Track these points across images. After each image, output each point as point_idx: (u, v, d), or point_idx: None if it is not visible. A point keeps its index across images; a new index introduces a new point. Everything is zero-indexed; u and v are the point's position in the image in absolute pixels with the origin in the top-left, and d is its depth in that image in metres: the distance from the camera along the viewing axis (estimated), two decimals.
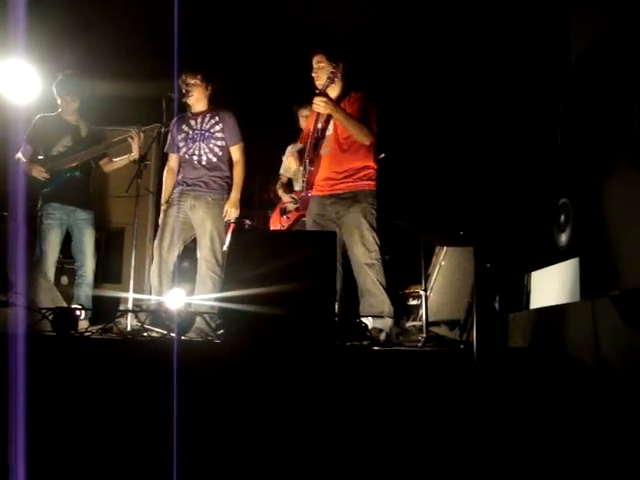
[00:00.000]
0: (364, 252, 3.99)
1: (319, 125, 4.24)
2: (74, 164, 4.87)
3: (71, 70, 4.95)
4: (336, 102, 4.12)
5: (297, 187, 4.86)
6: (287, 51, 5.43)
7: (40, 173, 4.78)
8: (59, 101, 4.97)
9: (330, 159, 4.17)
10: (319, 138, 4.23)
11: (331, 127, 4.19)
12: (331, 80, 4.06)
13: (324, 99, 4.05)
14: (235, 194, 4.60)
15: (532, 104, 2.18)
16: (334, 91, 4.19)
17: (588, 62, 2.90)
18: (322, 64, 4.18)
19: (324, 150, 4.21)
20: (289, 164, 4.78)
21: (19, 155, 4.85)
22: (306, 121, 4.87)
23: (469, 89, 2.23)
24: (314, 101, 4.08)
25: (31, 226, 3.70)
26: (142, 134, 4.64)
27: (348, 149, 4.12)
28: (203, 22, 5.28)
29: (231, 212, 4.57)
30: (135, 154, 4.66)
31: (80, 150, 4.90)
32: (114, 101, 5.14)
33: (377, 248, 4.01)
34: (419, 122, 4.41)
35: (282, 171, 4.97)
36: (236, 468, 2.45)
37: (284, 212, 4.82)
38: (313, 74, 4.21)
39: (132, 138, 4.57)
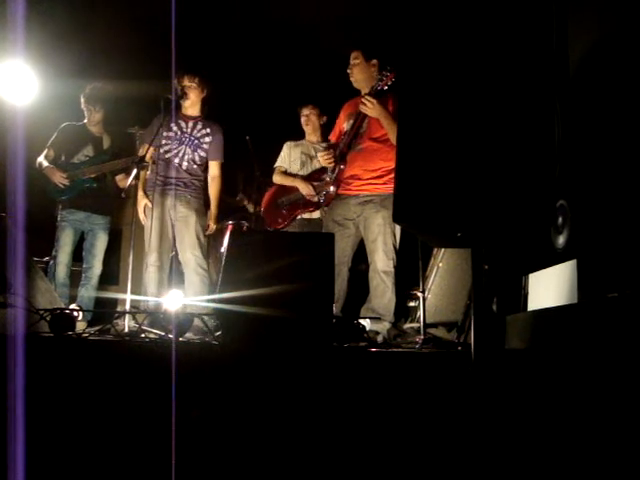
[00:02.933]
0: (384, 259, 4.02)
1: (355, 123, 4.21)
2: (93, 175, 4.93)
3: (99, 83, 5.03)
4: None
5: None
6: (285, 52, 5.45)
7: (61, 179, 4.87)
8: (85, 111, 5.06)
9: (362, 156, 4.16)
10: (354, 136, 4.21)
11: (365, 125, 4.18)
12: (384, 84, 4.02)
13: (374, 100, 4.02)
14: (214, 209, 4.73)
15: (529, 105, 2.18)
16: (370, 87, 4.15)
17: (587, 61, 2.90)
18: (357, 61, 4.21)
19: (356, 147, 4.20)
20: (286, 156, 4.82)
21: (40, 159, 4.93)
22: (308, 120, 4.89)
23: (465, 88, 2.22)
24: (363, 100, 4.06)
25: (30, 227, 3.70)
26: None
27: (381, 148, 4.11)
28: (201, 23, 5.30)
29: (212, 228, 4.76)
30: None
31: (100, 162, 4.98)
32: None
33: (395, 256, 4.03)
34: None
35: (279, 162, 4.96)
36: (234, 469, 2.45)
37: (281, 205, 4.77)
38: (348, 70, 4.23)
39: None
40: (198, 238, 4.54)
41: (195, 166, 4.66)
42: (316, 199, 4.59)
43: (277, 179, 4.89)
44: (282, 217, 4.75)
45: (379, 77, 4.02)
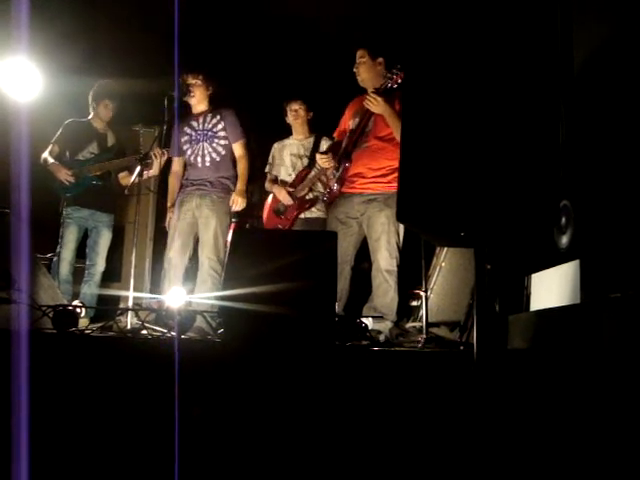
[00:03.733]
0: (387, 258, 4.01)
1: (361, 121, 4.21)
2: (99, 173, 4.94)
3: (109, 80, 5.08)
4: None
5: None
6: (287, 48, 5.45)
7: (66, 176, 4.88)
8: (93, 107, 5.08)
9: (367, 154, 4.16)
10: (359, 134, 4.21)
11: (371, 123, 4.18)
12: (394, 83, 3.99)
13: (380, 98, 4.02)
14: (241, 185, 4.63)
15: (533, 105, 2.18)
16: (377, 85, 4.13)
17: (591, 62, 2.90)
18: (363, 59, 4.21)
19: (362, 145, 4.20)
20: (274, 159, 4.86)
21: (45, 155, 4.94)
22: (297, 115, 4.88)
23: (469, 88, 2.22)
24: (368, 97, 4.05)
25: (33, 223, 3.71)
26: (166, 152, 4.67)
27: (386, 147, 4.11)
28: (204, 19, 5.29)
29: (238, 201, 4.59)
30: (155, 171, 4.71)
31: (105, 160, 5.00)
32: (115, 107, 5.15)
33: (398, 254, 4.03)
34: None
35: (268, 168, 4.97)
36: (236, 467, 2.45)
37: (278, 212, 4.78)
38: (354, 69, 4.23)
39: (156, 156, 4.58)
40: (216, 241, 4.48)
41: (219, 158, 4.64)
42: (291, 202, 4.64)
43: (267, 186, 4.93)
44: (282, 223, 4.75)
45: (388, 76, 4.00)
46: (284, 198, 4.70)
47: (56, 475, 2.41)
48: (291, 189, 4.70)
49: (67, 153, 5.01)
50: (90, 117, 5.10)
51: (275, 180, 4.89)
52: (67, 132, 5.05)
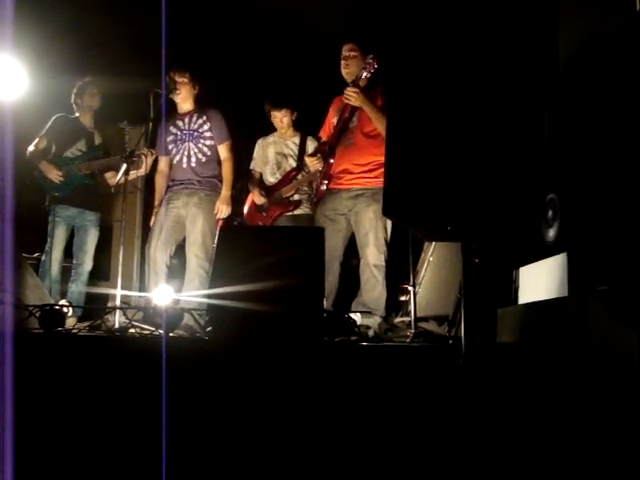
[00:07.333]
0: (375, 253, 4.01)
1: (343, 116, 4.21)
2: (88, 171, 4.90)
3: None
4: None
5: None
6: (271, 46, 5.45)
7: (57, 176, 4.83)
8: (78, 103, 5.05)
9: (353, 151, 4.15)
10: (342, 130, 4.20)
11: (355, 119, 4.17)
12: (367, 72, 4.01)
13: (356, 90, 4.02)
14: (225, 191, 4.59)
15: (519, 99, 2.18)
16: (362, 82, 4.12)
17: (576, 55, 2.91)
18: (354, 53, 4.18)
19: (347, 142, 4.19)
20: (258, 157, 4.84)
21: (32, 149, 4.90)
22: (281, 122, 4.84)
23: (455, 82, 2.22)
24: (346, 91, 4.06)
25: (19, 223, 3.68)
26: (153, 151, 4.66)
27: (372, 142, 4.09)
28: (191, 17, 5.27)
29: (222, 209, 4.57)
30: (144, 171, 4.69)
31: (93, 158, 4.98)
32: (101, 97, 5.12)
33: (386, 249, 4.03)
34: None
35: (252, 165, 4.95)
36: (225, 464, 2.44)
37: (261, 209, 4.77)
38: (343, 62, 4.21)
39: (145, 155, 4.56)
40: (204, 239, 4.47)
41: (204, 159, 4.62)
42: (265, 205, 4.67)
43: (250, 186, 4.91)
44: (263, 220, 4.73)
45: (363, 66, 4.02)
46: (257, 199, 4.73)
47: (43, 477, 2.40)
48: (276, 189, 4.70)
49: (54, 148, 4.97)
50: (77, 115, 5.06)
51: (259, 178, 4.88)
52: (56, 127, 5.00)
